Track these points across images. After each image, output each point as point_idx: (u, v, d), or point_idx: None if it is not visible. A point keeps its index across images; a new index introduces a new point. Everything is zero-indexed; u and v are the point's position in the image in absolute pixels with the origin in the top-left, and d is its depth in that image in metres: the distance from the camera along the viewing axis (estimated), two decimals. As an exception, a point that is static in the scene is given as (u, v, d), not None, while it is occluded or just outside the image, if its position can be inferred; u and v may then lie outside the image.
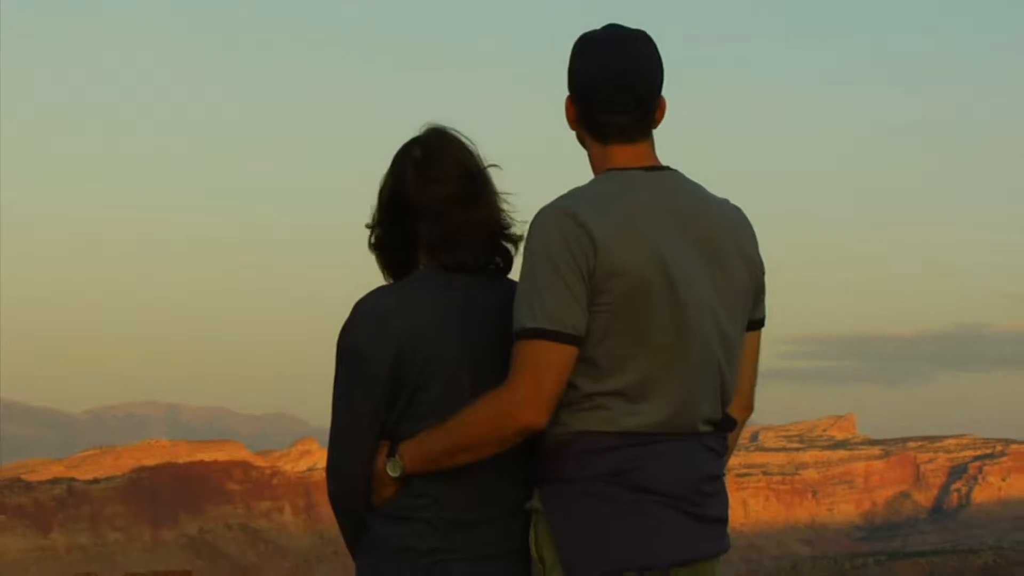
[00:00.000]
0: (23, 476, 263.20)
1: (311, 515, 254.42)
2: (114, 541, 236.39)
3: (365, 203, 2.93)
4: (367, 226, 2.99)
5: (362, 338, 2.85)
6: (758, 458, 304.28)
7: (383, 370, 2.83)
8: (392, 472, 2.81)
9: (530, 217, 2.76)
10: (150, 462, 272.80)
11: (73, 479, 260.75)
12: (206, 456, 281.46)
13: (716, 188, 2.92)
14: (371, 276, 3.02)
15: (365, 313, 2.88)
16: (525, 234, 2.76)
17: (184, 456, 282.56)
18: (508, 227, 2.98)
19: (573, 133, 2.90)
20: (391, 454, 2.83)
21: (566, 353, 2.64)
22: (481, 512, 2.85)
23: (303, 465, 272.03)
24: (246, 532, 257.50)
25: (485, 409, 2.69)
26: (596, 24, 2.86)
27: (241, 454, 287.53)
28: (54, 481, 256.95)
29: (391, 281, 3.01)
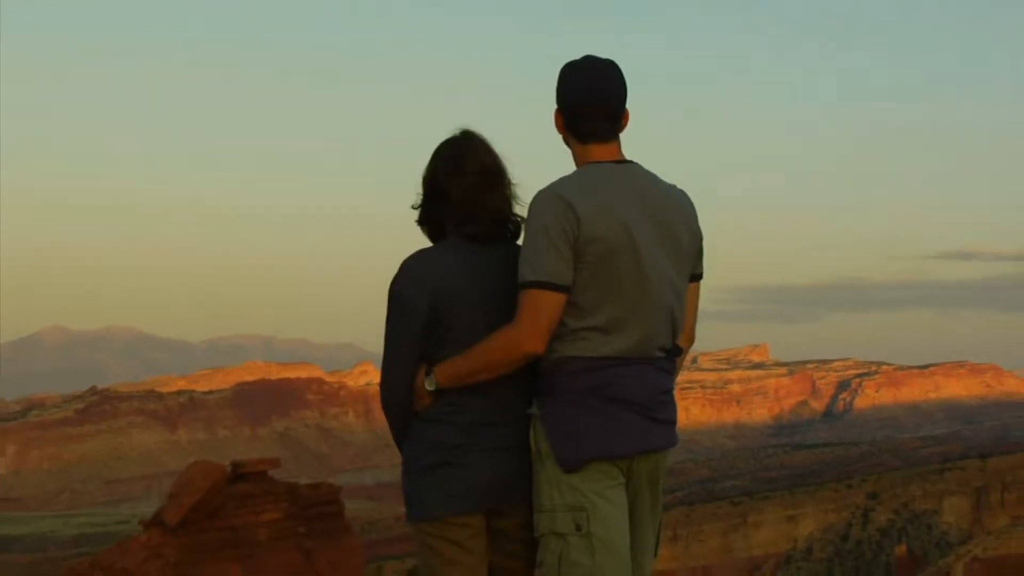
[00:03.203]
0: (156, 389, 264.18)
1: (368, 418, 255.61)
2: (223, 436, 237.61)
3: (398, 190, 3.06)
4: (412, 207, 3.07)
5: (406, 288, 2.90)
6: (697, 376, 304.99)
7: (421, 311, 2.88)
8: (429, 387, 2.87)
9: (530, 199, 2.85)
10: (250, 378, 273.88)
11: (193, 391, 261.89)
12: (291, 374, 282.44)
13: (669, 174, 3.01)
14: (412, 244, 3.07)
15: (408, 269, 2.93)
16: (527, 212, 2.83)
17: (275, 374, 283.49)
18: (515, 208, 3.02)
19: (560, 136, 2.97)
20: (428, 373, 2.88)
21: (557, 299, 2.72)
22: (496, 416, 2.89)
23: (362, 381, 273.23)
24: (320, 430, 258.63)
25: (498, 340, 2.77)
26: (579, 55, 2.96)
27: (317, 373, 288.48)
28: (179, 392, 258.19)
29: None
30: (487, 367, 2.80)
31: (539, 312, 2.72)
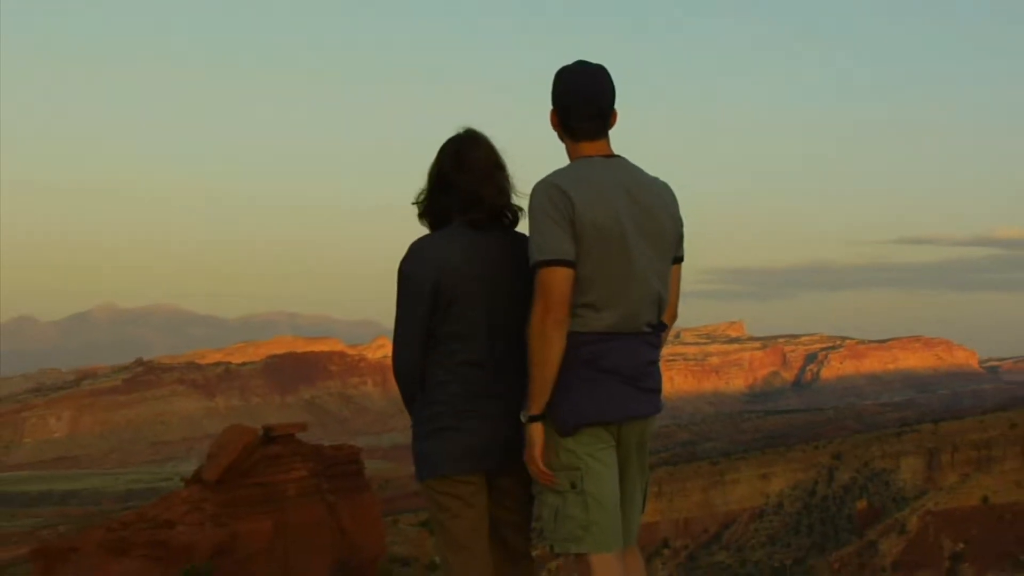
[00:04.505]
0: (196, 360, 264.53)
1: (385, 387, 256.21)
2: (256, 403, 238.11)
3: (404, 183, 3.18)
4: (412, 203, 3.09)
5: (413, 268, 2.92)
6: (680, 349, 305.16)
7: (427, 290, 2.90)
8: (524, 419, 2.82)
9: (529, 190, 2.85)
10: (279, 351, 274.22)
11: (229, 362, 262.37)
12: (316, 348, 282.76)
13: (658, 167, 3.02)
14: (421, 230, 3.10)
15: (416, 251, 2.95)
16: (527, 201, 2.83)
17: (302, 347, 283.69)
18: (513, 198, 3.04)
19: (555, 133, 2.97)
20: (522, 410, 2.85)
21: (566, 272, 2.71)
22: (494, 387, 2.92)
23: (380, 354, 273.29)
24: (342, 397, 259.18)
25: (532, 333, 2.75)
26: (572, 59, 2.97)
27: (339, 346, 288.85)
28: (216, 364, 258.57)
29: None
30: (543, 361, 2.74)
31: (551, 286, 2.70)
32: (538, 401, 2.77)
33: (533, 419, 2.79)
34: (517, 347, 2.86)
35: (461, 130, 3.08)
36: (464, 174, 2.98)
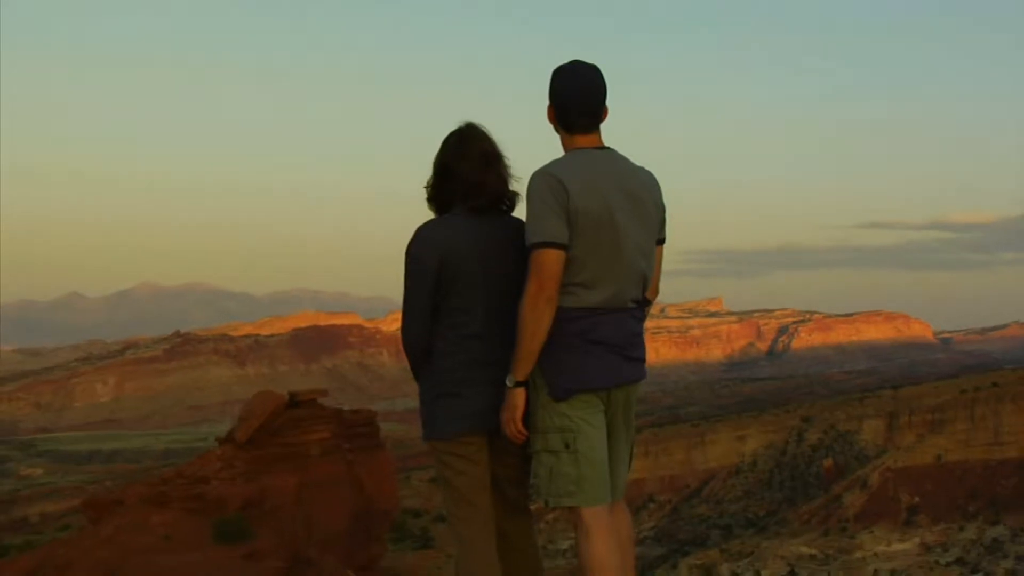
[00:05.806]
0: (228, 332, 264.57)
1: (399, 357, 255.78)
2: (282, 371, 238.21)
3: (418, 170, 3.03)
4: (424, 187, 3.09)
5: (419, 249, 2.93)
6: (665, 323, 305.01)
7: (432, 269, 2.91)
8: (510, 384, 2.84)
9: (526, 178, 2.85)
10: (304, 324, 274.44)
11: (258, 335, 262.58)
12: (336, 321, 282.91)
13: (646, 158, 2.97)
14: (427, 215, 3.09)
15: (421, 235, 2.96)
16: (523, 189, 2.83)
17: (324, 321, 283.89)
18: (512, 185, 3.04)
19: (550, 126, 2.98)
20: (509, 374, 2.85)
21: (558, 254, 2.74)
22: (493, 356, 2.93)
23: (393, 327, 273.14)
24: (360, 366, 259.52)
25: (523, 308, 2.77)
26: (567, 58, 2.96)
27: (357, 320, 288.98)
28: (247, 336, 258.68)
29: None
30: (533, 333, 2.77)
31: (543, 266, 2.73)
32: (524, 369, 2.80)
33: (518, 384, 2.82)
34: (513, 320, 2.85)
35: (462, 124, 3.08)
36: (465, 163, 2.98)
